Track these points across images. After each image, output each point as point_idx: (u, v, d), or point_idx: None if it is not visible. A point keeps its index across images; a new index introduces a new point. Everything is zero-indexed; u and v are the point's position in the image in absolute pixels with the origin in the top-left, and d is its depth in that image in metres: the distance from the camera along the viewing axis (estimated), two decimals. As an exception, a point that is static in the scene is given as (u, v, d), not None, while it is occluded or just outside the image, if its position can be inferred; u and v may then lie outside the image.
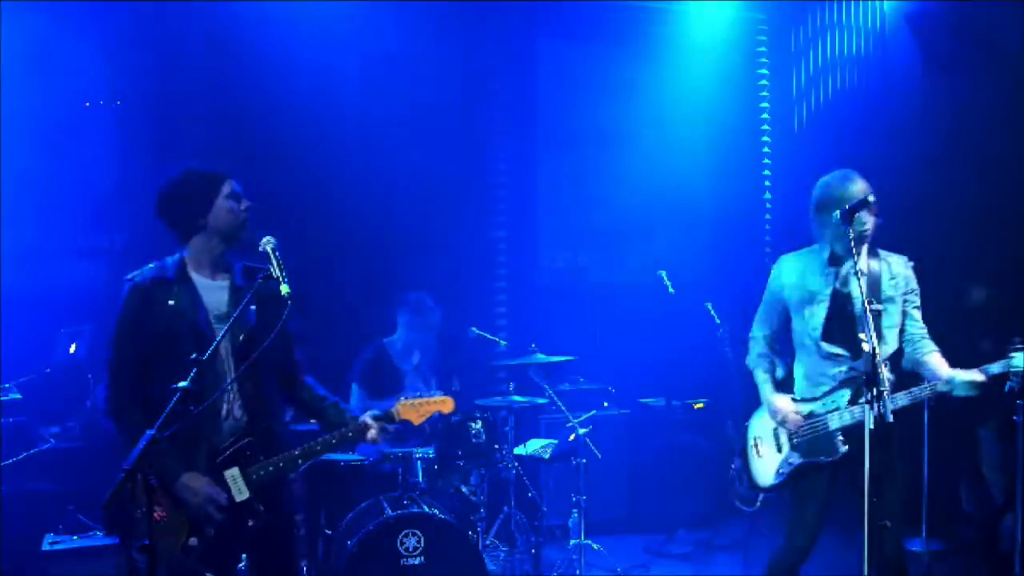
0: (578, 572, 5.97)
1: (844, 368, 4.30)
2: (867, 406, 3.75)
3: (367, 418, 3.86)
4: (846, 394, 4.27)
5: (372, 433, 3.83)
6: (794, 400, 4.45)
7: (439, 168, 7.40)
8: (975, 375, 4.10)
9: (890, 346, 4.30)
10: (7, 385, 5.61)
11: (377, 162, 7.15)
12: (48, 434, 5.81)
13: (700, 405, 7.49)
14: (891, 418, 3.69)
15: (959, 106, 6.59)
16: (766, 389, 4.52)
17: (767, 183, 8.40)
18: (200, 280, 3.70)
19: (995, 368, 4.08)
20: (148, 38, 6.55)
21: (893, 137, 6.96)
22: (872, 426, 3.72)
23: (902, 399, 4.16)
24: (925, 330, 4.40)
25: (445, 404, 4.07)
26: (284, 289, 3.46)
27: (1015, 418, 5.28)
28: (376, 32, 7.10)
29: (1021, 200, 6.09)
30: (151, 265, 3.72)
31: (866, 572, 3.80)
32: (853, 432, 4.21)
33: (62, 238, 6.59)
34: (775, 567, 4.45)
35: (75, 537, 5.09)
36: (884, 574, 4.14)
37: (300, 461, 3.75)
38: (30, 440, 5.68)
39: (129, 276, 3.68)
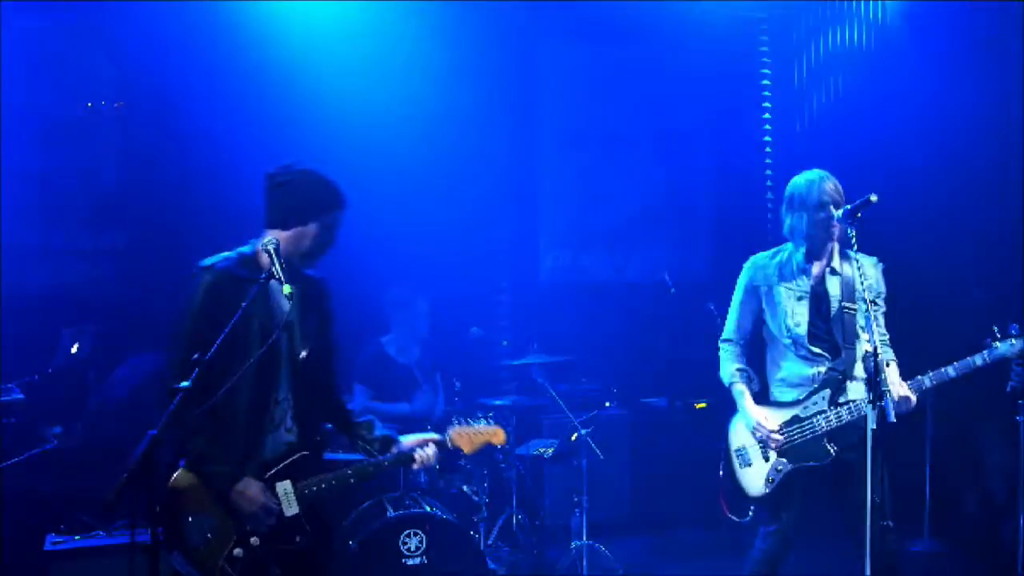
0: (580, 572, 5.96)
1: (823, 368, 4.29)
2: (869, 406, 3.75)
3: (415, 441, 3.77)
4: (826, 395, 4.26)
5: (420, 455, 3.75)
6: (774, 405, 4.40)
7: (439, 167, 7.39)
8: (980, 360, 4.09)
9: (862, 347, 4.28)
10: (9, 385, 5.60)
11: (377, 162, 7.13)
12: (50, 434, 5.80)
13: (702, 405, 7.47)
14: (893, 418, 3.70)
15: (961, 106, 6.59)
16: (745, 402, 4.43)
17: (769, 183, 8.40)
18: (273, 282, 3.51)
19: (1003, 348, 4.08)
20: (152, 38, 6.54)
21: (894, 139, 6.96)
22: (874, 426, 3.72)
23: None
24: (887, 337, 4.40)
25: (496, 436, 4.00)
26: (286, 289, 3.43)
27: (1017, 418, 5.29)
28: (377, 31, 7.09)
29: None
30: (228, 254, 3.59)
31: (868, 572, 3.80)
32: (838, 435, 4.23)
33: (65, 238, 6.59)
34: (751, 572, 4.49)
35: (77, 537, 5.09)
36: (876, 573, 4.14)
37: (352, 481, 3.68)
38: (32, 440, 5.67)
39: (205, 263, 3.54)
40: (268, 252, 3.49)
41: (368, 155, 7.03)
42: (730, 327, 4.58)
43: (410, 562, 4.99)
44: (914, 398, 4.13)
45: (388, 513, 5.08)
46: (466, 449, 3.95)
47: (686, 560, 6.71)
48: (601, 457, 6.22)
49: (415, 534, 5.01)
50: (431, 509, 5.17)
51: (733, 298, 4.59)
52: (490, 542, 5.99)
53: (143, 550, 3.02)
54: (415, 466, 3.79)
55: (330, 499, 3.73)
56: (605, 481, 6.97)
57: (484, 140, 7.75)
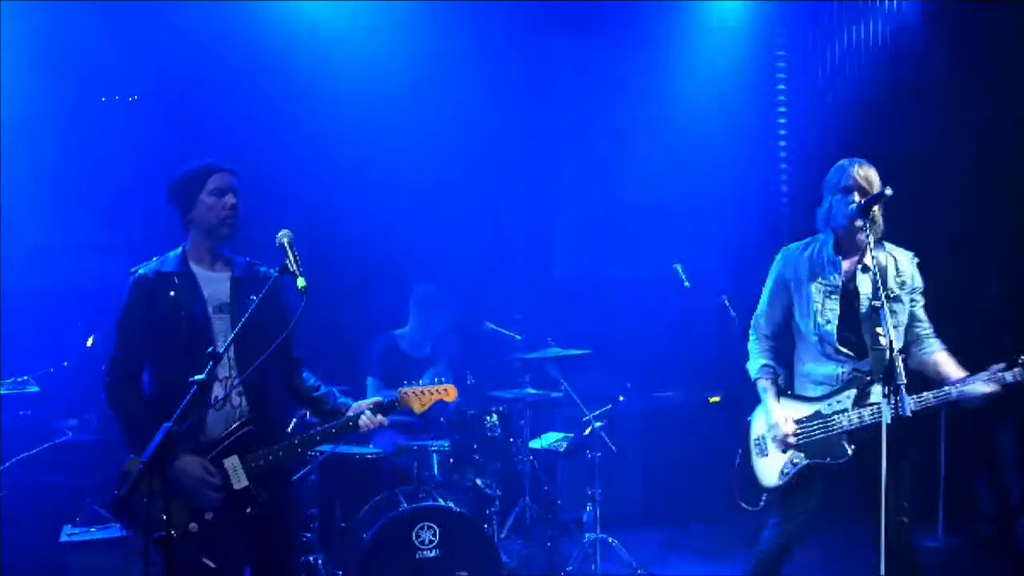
0: (593, 566, 5.97)
1: (848, 369, 4.22)
2: (884, 400, 3.70)
3: (362, 406, 3.90)
4: (851, 395, 4.18)
5: (364, 420, 3.85)
6: (798, 399, 4.35)
7: (455, 163, 7.40)
8: (987, 387, 3.97)
9: (896, 344, 4.10)
10: (25, 378, 5.64)
11: (393, 157, 7.15)
12: (66, 427, 5.84)
13: (715, 399, 7.46)
14: (908, 413, 3.64)
15: (973, 103, 6.56)
16: (769, 399, 4.39)
17: (783, 176, 8.37)
18: (200, 271, 3.78)
19: (1011, 378, 3.94)
20: (163, 33, 6.55)
21: (911, 134, 6.93)
22: (889, 421, 3.68)
23: (929, 399, 4.04)
24: (931, 329, 4.31)
25: (448, 393, 4.09)
26: (300, 283, 3.49)
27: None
28: (391, 30, 7.09)
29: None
30: (155, 259, 3.80)
31: (883, 570, 3.77)
32: (858, 435, 4.17)
33: (79, 233, 6.61)
34: (758, 565, 4.46)
35: (93, 528, 5.13)
36: (896, 570, 4.11)
37: (299, 449, 3.81)
38: (48, 433, 5.71)
39: (133, 269, 3.77)
40: (282, 244, 3.56)
41: (386, 154, 7.07)
42: (761, 318, 4.49)
43: (423, 555, 5.00)
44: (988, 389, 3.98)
45: (402, 506, 5.09)
46: (416, 408, 4.05)
47: (699, 554, 6.70)
48: (615, 451, 6.22)
49: (428, 527, 5.02)
50: (444, 502, 5.18)
51: (764, 290, 4.50)
52: (503, 535, 6.00)
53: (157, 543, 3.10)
54: (361, 430, 3.87)
55: (284, 471, 3.91)
56: (618, 475, 6.98)
57: (501, 137, 7.76)
